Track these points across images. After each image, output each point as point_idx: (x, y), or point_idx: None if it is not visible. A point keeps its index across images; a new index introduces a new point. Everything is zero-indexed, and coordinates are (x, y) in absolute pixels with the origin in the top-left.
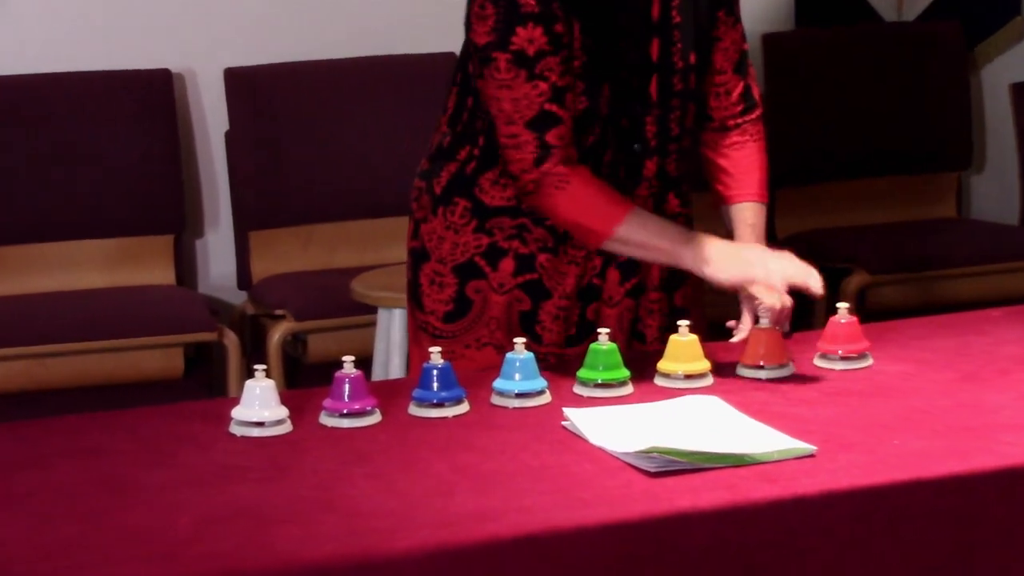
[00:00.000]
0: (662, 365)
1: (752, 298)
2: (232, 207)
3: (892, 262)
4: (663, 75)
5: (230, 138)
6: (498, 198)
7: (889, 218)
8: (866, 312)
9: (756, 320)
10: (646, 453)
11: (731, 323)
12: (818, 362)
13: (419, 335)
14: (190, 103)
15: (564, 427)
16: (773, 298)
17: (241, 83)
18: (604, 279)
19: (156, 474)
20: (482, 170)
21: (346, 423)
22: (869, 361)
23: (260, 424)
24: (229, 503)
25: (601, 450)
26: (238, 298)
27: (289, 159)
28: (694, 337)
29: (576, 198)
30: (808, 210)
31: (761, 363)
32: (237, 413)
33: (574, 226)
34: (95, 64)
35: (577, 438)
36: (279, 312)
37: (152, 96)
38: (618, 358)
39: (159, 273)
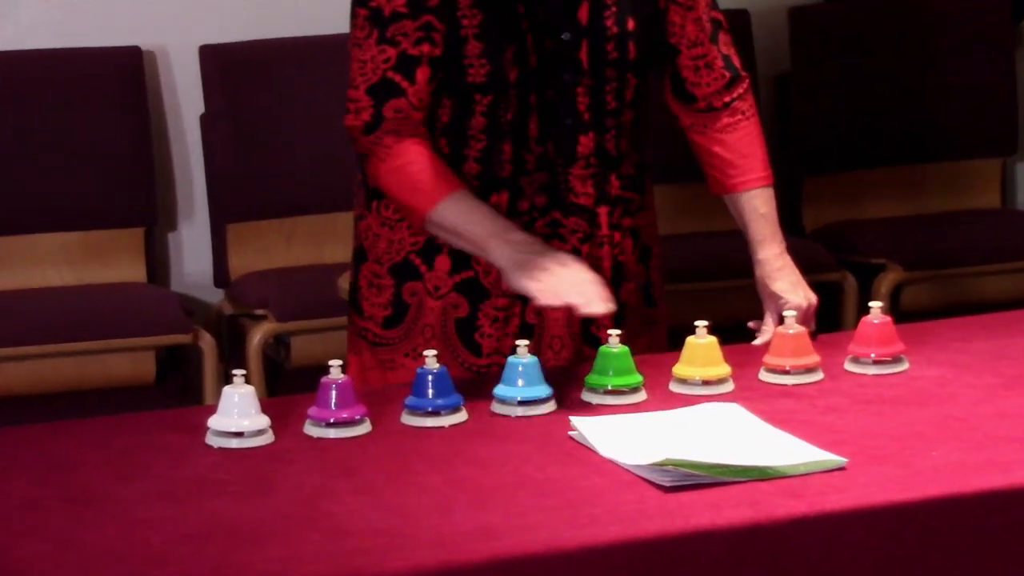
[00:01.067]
0: (678, 370)
1: (776, 296)
2: (208, 197)
3: (929, 257)
4: (594, 41)
5: (206, 121)
6: None
7: (926, 209)
8: (901, 312)
9: (780, 320)
10: (661, 466)
11: (753, 323)
12: (849, 366)
13: (357, 343)
14: (162, 83)
15: (571, 437)
16: (798, 295)
17: (218, 61)
18: None
19: (125, 488)
20: None
21: (333, 433)
22: (904, 365)
23: (239, 434)
24: (205, 520)
25: (612, 463)
26: (215, 297)
27: (271, 144)
28: (712, 339)
29: (400, 172)
30: (837, 200)
31: (787, 367)
32: (214, 422)
33: (398, 203)
34: (57, 41)
35: (585, 449)
36: (260, 312)
37: (120, 76)
38: (630, 362)
39: (128, 269)
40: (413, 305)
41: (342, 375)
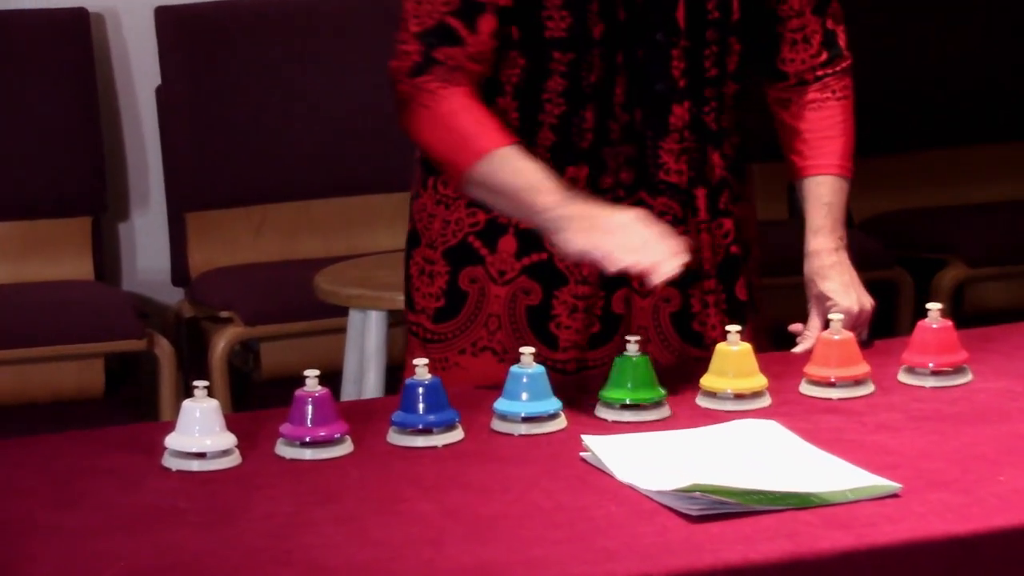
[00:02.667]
0: (707, 381)
1: (823, 297)
2: (165, 182)
3: (997, 252)
4: None
5: (162, 94)
6: None
7: (993, 196)
8: (964, 315)
9: (826, 325)
10: (686, 492)
11: (795, 327)
12: (903, 378)
13: (411, 342)
14: (112, 51)
15: (583, 459)
16: (850, 298)
17: (176, 25)
18: None
19: (71, 516)
20: None
21: (309, 454)
22: (967, 377)
23: (201, 456)
24: (162, 553)
25: (630, 488)
26: (172, 297)
27: (237, 122)
28: (746, 346)
29: (442, 121)
30: (892, 187)
31: (832, 379)
32: (172, 442)
33: (436, 157)
34: None
35: (600, 473)
36: (224, 315)
37: (64, 41)
38: (651, 373)
39: (73, 265)
40: (472, 293)
41: (319, 388)
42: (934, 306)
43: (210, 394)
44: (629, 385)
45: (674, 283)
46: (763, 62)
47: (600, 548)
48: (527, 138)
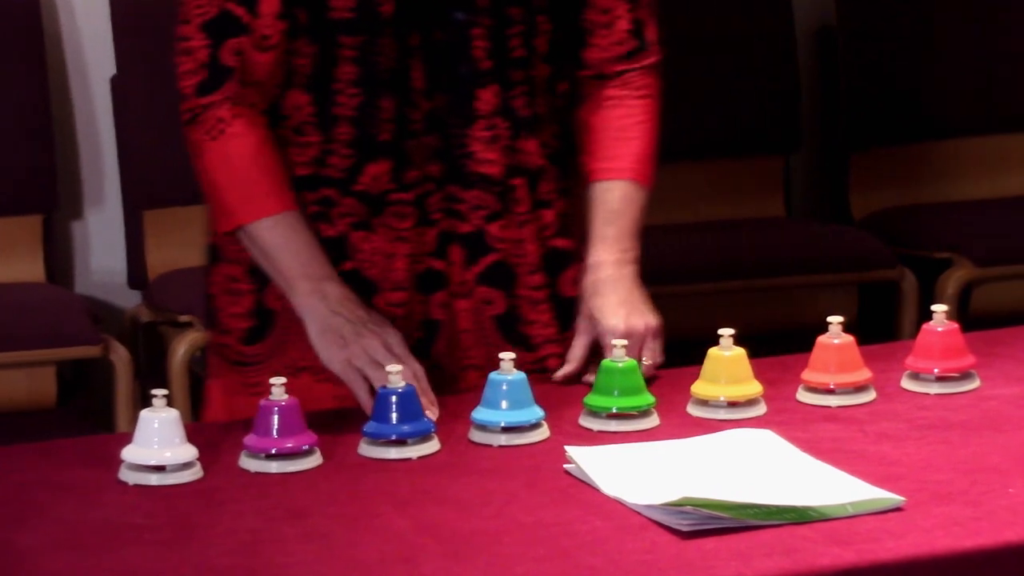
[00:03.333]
0: (698, 388)
1: (590, 315)
2: (121, 178)
3: (1006, 250)
4: None
5: (118, 85)
6: (293, 164)
7: (1002, 191)
8: (971, 317)
9: (591, 346)
10: (677, 506)
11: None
12: (907, 384)
13: (218, 363)
14: (64, 38)
15: (567, 472)
16: (617, 316)
17: (133, 12)
18: (446, 258)
19: (22, 534)
20: (273, 126)
21: (275, 467)
22: (975, 383)
23: (160, 469)
24: (118, 573)
25: (617, 502)
26: (129, 300)
27: None
28: (740, 351)
29: (227, 161)
30: (893, 181)
31: (831, 385)
32: (129, 454)
33: (212, 194)
34: None
35: (585, 486)
36: (184, 319)
37: (13, 29)
38: (639, 379)
39: (23, 267)
40: (281, 312)
41: (286, 396)
42: (939, 308)
43: (169, 403)
44: (616, 392)
45: (495, 282)
46: (572, 48)
47: (585, 566)
48: (324, 134)
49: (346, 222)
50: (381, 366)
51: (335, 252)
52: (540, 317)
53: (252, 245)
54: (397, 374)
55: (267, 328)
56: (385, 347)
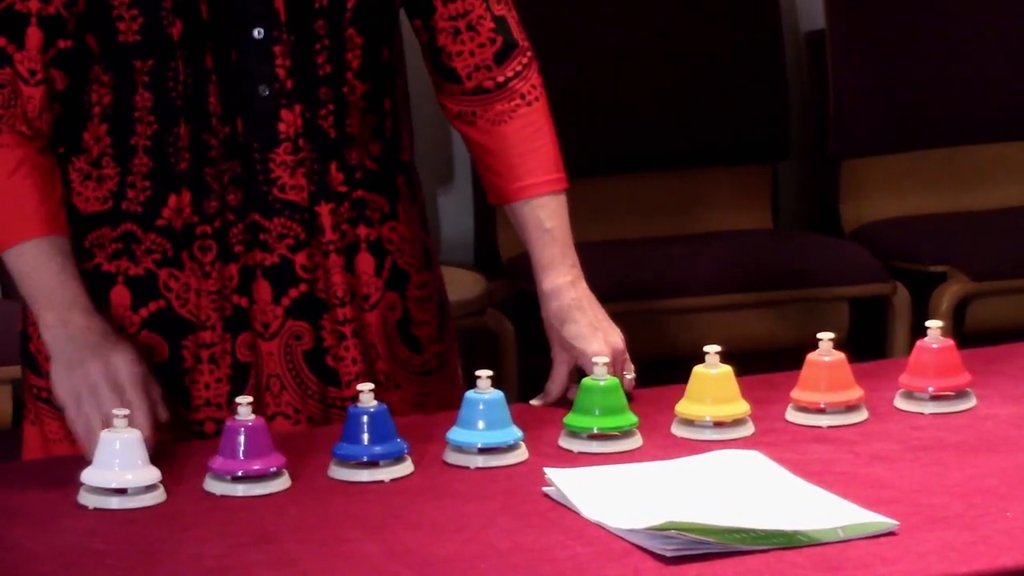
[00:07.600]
0: (683, 408)
1: (567, 344)
2: None
3: (1002, 264)
4: None
5: None
6: (92, 200)
7: (998, 202)
8: (967, 334)
9: (573, 373)
10: (661, 530)
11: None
12: (900, 403)
13: (36, 408)
14: None
15: (546, 495)
16: (597, 340)
17: None
18: (250, 296)
19: None
20: (69, 156)
21: (242, 490)
22: (971, 402)
23: (121, 492)
24: None
25: (598, 526)
26: None
27: None
28: (727, 369)
29: None
30: (884, 191)
31: (821, 404)
32: (88, 476)
33: None
34: None
35: (565, 510)
36: None
37: None
38: (621, 398)
39: None
40: None
41: (252, 416)
42: (934, 324)
43: (131, 424)
44: (597, 412)
45: (302, 315)
46: (432, 63)
47: None
48: (122, 165)
49: (151, 259)
50: (104, 405)
51: (142, 292)
52: (347, 354)
53: (13, 271)
54: (369, 391)
55: None
56: (111, 382)
